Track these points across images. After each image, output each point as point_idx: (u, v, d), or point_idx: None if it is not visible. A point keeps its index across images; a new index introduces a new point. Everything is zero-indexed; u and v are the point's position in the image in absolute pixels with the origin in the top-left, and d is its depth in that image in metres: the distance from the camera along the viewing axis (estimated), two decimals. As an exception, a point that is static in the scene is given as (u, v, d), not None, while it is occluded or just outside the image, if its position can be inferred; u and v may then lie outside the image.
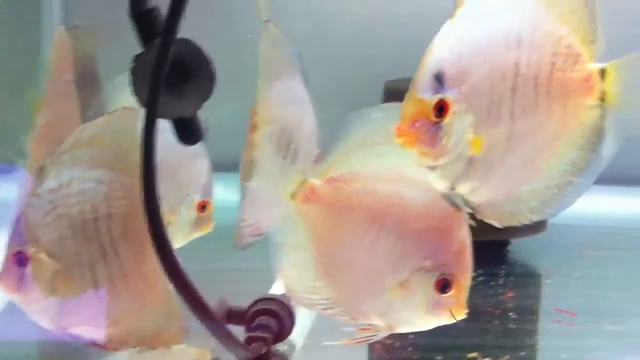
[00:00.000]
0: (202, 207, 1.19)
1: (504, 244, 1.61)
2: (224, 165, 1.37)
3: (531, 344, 1.23)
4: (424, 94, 0.88)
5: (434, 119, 0.88)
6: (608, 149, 0.96)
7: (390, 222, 0.95)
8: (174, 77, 0.82)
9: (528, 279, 1.54)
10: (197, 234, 1.18)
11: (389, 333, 0.98)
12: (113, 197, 0.89)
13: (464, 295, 0.94)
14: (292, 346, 1.17)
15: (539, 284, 1.51)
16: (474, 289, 1.37)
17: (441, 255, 0.94)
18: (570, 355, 1.17)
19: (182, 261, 1.02)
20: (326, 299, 0.99)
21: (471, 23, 0.89)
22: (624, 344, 1.23)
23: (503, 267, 1.54)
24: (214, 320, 0.95)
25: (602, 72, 0.94)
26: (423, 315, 0.96)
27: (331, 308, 0.99)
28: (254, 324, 1.10)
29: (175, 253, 0.88)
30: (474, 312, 1.30)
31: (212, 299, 1.11)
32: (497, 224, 0.93)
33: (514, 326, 1.28)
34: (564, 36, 0.94)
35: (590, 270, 1.53)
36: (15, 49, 1.68)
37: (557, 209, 0.96)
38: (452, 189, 0.92)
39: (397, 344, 1.19)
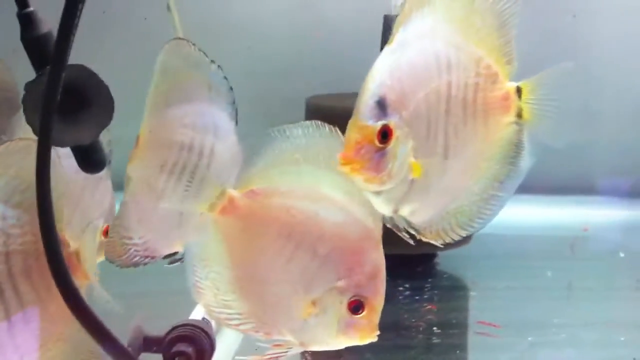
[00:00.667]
0: (106, 232, 1.17)
1: (431, 257, 1.62)
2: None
3: (455, 359, 1.23)
4: (367, 121, 0.89)
5: (378, 144, 0.90)
6: (525, 161, 1.01)
7: (306, 240, 0.94)
8: (69, 104, 0.80)
9: (454, 291, 1.54)
10: (101, 259, 1.15)
11: (301, 350, 0.97)
12: (11, 234, 0.85)
13: (376, 317, 0.95)
14: (216, 372, 1.14)
15: (464, 296, 1.52)
16: (399, 304, 1.40)
17: (354, 276, 0.94)
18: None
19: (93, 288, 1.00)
20: (239, 314, 0.97)
21: (407, 48, 0.92)
22: (546, 356, 1.24)
23: (430, 280, 1.54)
24: (125, 353, 0.91)
25: (518, 90, 0.99)
26: (334, 335, 0.95)
27: (244, 323, 0.97)
28: (171, 352, 1.07)
29: (78, 288, 0.84)
30: (399, 327, 1.32)
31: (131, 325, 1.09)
32: (436, 243, 0.96)
33: (438, 340, 1.28)
34: (482, 57, 0.98)
35: (514, 281, 1.55)
36: None
37: (482, 223, 1.00)
38: (395, 212, 0.94)
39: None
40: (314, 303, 0.94)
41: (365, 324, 0.94)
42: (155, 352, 1.08)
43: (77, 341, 0.89)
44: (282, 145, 0.97)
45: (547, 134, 1.02)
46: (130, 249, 1.04)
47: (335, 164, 0.92)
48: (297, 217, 0.95)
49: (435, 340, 1.29)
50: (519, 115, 1.01)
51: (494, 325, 1.33)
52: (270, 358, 0.97)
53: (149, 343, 1.09)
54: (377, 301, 0.94)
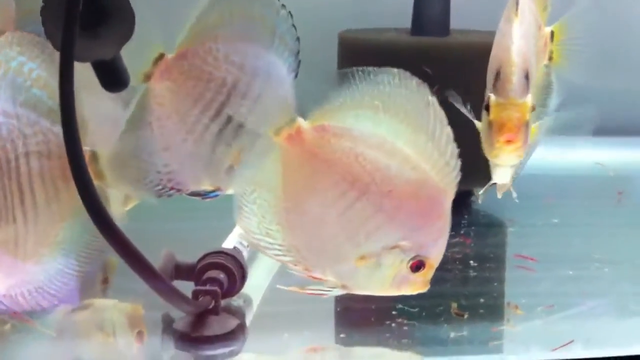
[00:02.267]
0: None
1: (468, 194, 1.59)
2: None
3: (492, 291, 1.21)
4: (522, 98, 0.94)
5: (527, 119, 0.95)
6: (554, 102, 1.08)
7: (372, 192, 0.90)
8: (89, 18, 0.78)
9: (490, 228, 1.51)
10: (127, 207, 1.15)
11: (344, 292, 0.96)
12: (27, 134, 0.84)
13: (431, 273, 0.93)
14: (249, 300, 1.14)
15: (501, 232, 1.49)
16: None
17: (420, 238, 0.91)
18: (531, 301, 1.15)
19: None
20: (280, 245, 0.95)
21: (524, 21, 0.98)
22: (585, 289, 1.21)
23: (466, 217, 1.51)
24: (154, 273, 0.92)
25: (552, 34, 1.01)
26: (386, 287, 0.94)
27: (284, 255, 0.95)
28: (203, 278, 1.08)
29: (105, 207, 0.85)
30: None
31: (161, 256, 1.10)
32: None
33: (475, 274, 1.26)
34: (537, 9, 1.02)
35: (553, 219, 1.51)
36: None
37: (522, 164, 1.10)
38: (513, 180, 1.07)
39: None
40: (370, 256, 0.92)
41: (421, 280, 0.93)
42: (187, 279, 1.09)
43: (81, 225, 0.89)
44: (363, 87, 0.93)
45: (572, 73, 1.08)
46: (151, 174, 1.00)
47: (416, 120, 0.90)
48: (366, 167, 0.91)
49: (472, 273, 1.26)
50: (550, 58, 1.07)
51: (532, 259, 1.30)
52: (311, 293, 0.96)
53: (180, 270, 1.09)
54: (437, 260, 0.93)
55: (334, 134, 0.92)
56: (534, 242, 1.41)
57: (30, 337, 1.00)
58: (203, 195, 1.05)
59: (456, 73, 1.41)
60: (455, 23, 1.63)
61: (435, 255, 0.93)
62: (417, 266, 0.92)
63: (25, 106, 0.85)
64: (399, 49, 1.55)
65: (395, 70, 0.92)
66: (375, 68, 0.92)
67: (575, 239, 1.43)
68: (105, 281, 1.20)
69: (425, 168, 0.90)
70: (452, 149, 0.90)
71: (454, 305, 1.10)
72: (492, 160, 1.06)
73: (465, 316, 1.09)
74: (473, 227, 1.46)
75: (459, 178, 0.91)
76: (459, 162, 0.90)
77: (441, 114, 0.90)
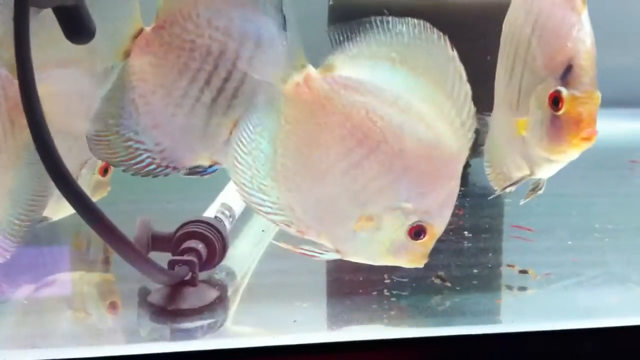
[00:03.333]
0: (105, 170, 1.11)
1: (464, 166, 1.53)
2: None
3: (487, 261, 1.16)
4: (597, 90, 0.88)
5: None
6: None
7: (381, 151, 0.83)
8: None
9: (486, 199, 1.45)
10: (94, 198, 1.09)
11: (336, 257, 0.89)
12: None
13: (431, 245, 0.87)
14: (231, 274, 1.09)
15: (497, 204, 1.43)
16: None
17: (425, 201, 0.84)
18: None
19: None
20: (273, 203, 0.87)
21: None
22: (583, 260, 1.16)
23: (462, 188, 1.45)
24: (125, 242, 0.86)
25: None
26: (383, 254, 0.87)
27: (276, 214, 0.87)
28: (180, 249, 1.02)
29: (71, 175, 0.79)
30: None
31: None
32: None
33: (469, 244, 1.21)
34: None
35: (551, 190, 1.45)
36: None
37: None
38: None
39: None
40: (369, 218, 0.85)
41: (419, 250, 0.86)
42: (165, 250, 1.03)
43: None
44: (380, 37, 0.86)
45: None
46: (141, 154, 0.93)
47: (434, 75, 0.84)
48: (377, 123, 0.84)
49: (467, 244, 1.21)
50: None
51: (529, 229, 1.24)
52: (304, 253, 0.89)
53: (157, 240, 1.03)
54: (440, 230, 0.86)
55: (345, 86, 0.85)
56: (532, 212, 1.35)
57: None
58: (201, 172, 0.98)
59: (453, 37, 1.34)
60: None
61: (438, 223, 0.86)
62: (417, 232, 0.85)
63: None
64: (392, 12, 1.49)
65: (416, 20, 0.85)
66: (394, 17, 0.86)
67: (575, 209, 1.38)
68: (106, 261, 1.15)
69: (440, 127, 0.84)
70: (470, 108, 0.83)
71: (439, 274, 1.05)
72: (555, 157, 0.96)
73: (447, 283, 1.04)
74: (468, 199, 1.41)
75: (473, 140, 0.85)
76: (475, 124, 0.84)
77: (461, 70, 0.83)
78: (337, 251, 0.89)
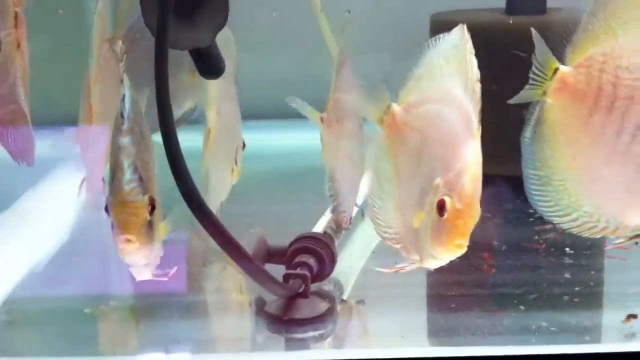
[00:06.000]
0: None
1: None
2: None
3: (589, 279, 1.17)
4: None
5: None
6: None
7: (432, 145, 0.88)
8: (184, 6, 0.80)
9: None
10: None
11: (416, 266, 0.92)
12: None
13: (463, 223, 0.85)
14: (339, 286, 1.15)
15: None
16: (527, 224, 1.33)
17: (447, 173, 0.86)
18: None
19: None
20: (396, 233, 0.94)
21: None
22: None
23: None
24: (247, 257, 0.94)
25: None
26: (428, 244, 0.87)
27: (398, 243, 0.93)
28: (293, 262, 1.09)
29: (199, 192, 0.87)
30: (526, 247, 1.26)
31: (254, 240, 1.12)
32: None
33: (571, 261, 1.22)
34: None
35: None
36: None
37: None
38: None
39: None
40: (422, 211, 0.88)
41: (450, 228, 0.85)
42: (278, 263, 1.10)
43: None
44: (433, 53, 0.92)
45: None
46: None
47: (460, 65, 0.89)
48: (429, 123, 0.90)
49: (568, 260, 1.22)
50: None
51: (623, 247, 1.24)
52: (397, 271, 0.94)
53: (272, 254, 1.11)
54: (464, 203, 0.85)
55: (414, 105, 0.92)
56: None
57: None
58: None
59: (553, 54, 1.35)
60: (551, 1, 1.57)
61: (459, 194, 0.85)
62: (440, 206, 0.85)
63: None
64: (493, 29, 1.51)
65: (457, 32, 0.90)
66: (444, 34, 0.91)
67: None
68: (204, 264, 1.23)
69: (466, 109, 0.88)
70: (478, 95, 0.87)
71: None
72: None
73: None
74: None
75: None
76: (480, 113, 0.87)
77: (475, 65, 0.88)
78: (419, 261, 0.93)
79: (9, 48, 0.82)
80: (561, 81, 0.93)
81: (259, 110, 1.35)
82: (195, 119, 1.22)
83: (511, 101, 0.99)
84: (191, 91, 1.24)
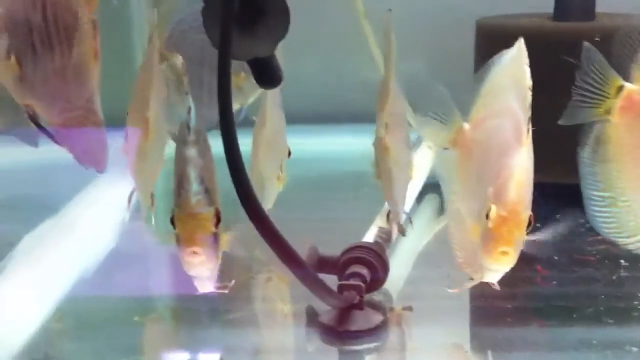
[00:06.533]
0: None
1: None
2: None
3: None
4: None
5: None
6: None
7: (489, 157, 0.89)
8: (246, 17, 0.79)
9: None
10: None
11: (475, 282, 0.93)
12: None
13: (507, 231, 0.85)
14: (388, 296, 1.14)
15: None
16: (581, 236, 1.31)
17: (496, 181, 0.86)
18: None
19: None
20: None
21: None
22: None
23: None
24: (305, 268, 0.93)
25: None
26: (480, 254, 0.87)
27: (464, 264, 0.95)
28: (346, 273, 1.08)
29: (257, 199, 0.86)
30: (580, 260, 1.24)
31: (303, 248, 1.11)
32: None
33: (626, 274, 1.19)
34: None
35: None
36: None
37: None
38: None
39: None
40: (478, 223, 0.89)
41: (494, 237, 0.85)
42: (330, 272, 1.09)
43: None
44: (496, 70, 0.93)
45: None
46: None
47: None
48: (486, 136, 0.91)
49: (624, 273, 1.20)
50: None
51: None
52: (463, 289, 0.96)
53: (324, 263, 1.10)
54: (508, 210, 0.85)
55: (478, 122, 0.93)
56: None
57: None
58: None
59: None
60: (601, 6, 1.54)
61: (503, 202, 0.85)
62: (486, 214, 0.86)
63: None
64: (541, 35, 1.49)
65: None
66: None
67: None
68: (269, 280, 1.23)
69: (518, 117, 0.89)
70: (529, 102, 0.88)
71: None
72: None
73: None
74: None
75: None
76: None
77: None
78: (479, 277, 0.92)
79: (88, 57, 0.82)
80: (628, 99, 0.90)
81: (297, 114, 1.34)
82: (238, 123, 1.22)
83: (564, 122, 0.99)
84: (236, 93, 1.24)
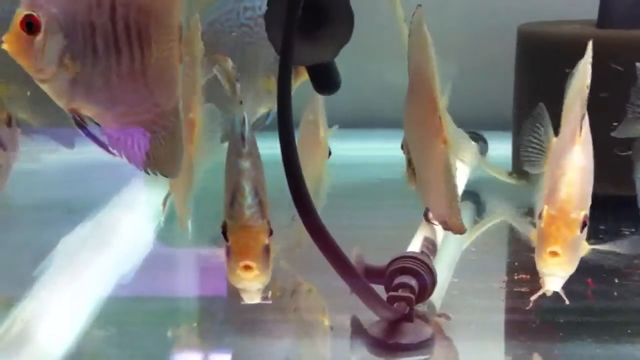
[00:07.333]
0: None
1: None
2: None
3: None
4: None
5: None
6: None
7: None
8: (309, 21, 0.78)
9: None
10: None
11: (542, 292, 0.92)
12: None
13: (557, 231, 0.86)
14: (432, 307, 1.11)
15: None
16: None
17: (550, 181, 0.89)
18: None
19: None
20: None
21: None
22: None
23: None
24: (358, 278, 0.91)
25: None
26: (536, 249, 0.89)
27: None
28: (394, 283, 1.05)
29: (314, 207, 0.84)
30: (622, 273, 1.21)
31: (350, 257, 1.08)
32: None
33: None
34: None
35: None
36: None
37: None
38: None
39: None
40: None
41: (544, 236, 0.86)
42: (376, 282, 1.07)
43: None
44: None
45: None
46: None
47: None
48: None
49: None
50: None
51: None
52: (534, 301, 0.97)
53: (370, 273, 1.08)
54: (557, 209, 0.87)
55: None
56: None
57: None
58: None
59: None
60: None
61: (554, 200, 0.87)
62: (540, 215, 0.88)
63: None
64: (582, 43, 1.46)
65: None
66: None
67: None
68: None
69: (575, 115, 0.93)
70: (585, 101, 0.93)
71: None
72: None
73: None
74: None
75: None
76: None
77: None
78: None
79: (175, 63, 0.79)
80: None
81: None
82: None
83: (619, 134, 1.00)
84: (266, 97, 1.22)
